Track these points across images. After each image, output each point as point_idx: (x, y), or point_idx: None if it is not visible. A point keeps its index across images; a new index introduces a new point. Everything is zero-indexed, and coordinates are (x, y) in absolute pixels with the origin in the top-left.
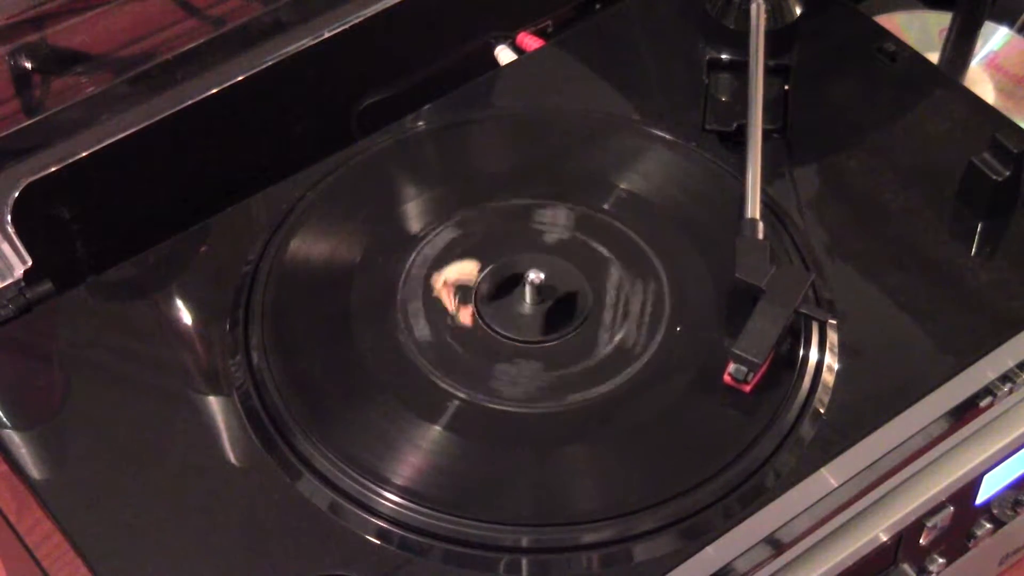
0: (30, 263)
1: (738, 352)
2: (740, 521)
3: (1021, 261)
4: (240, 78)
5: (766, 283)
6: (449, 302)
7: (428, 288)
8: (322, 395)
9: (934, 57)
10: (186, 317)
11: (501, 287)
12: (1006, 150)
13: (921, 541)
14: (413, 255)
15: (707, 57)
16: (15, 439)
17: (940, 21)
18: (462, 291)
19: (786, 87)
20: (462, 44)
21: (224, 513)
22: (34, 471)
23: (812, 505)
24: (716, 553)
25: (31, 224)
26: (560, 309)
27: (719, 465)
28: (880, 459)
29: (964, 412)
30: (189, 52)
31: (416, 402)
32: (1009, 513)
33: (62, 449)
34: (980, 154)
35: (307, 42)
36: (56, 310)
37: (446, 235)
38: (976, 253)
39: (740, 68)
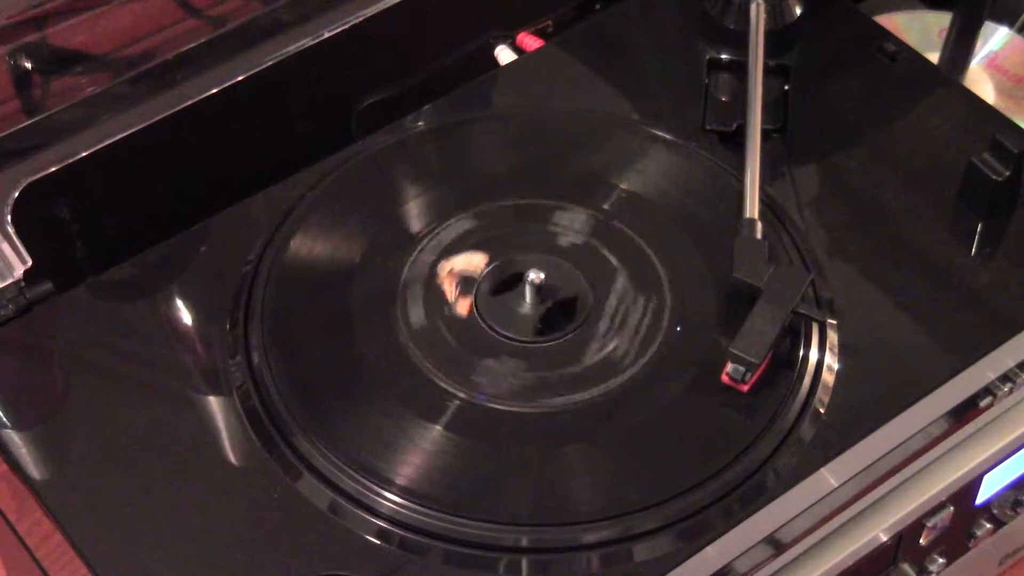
0: (30, 263)
1: (736, 352)
2: (740, 521)
3: (1021, 261)
4: (240, 78)
5: (764, 283)
6: (451, 294)
7: (428, 287)
8: (322, 395)
9: (934, 57)
10: (186, 317)
11: (501, 286)
12: (1006, 150)
13: (921, 541)
14: (413, 255)
15: (707, 57)
16: (15, 439)
17: (940, 21)
18: (464, 285)
19: (786, 87)
20: (462, 44)
21: (224, 513)
22: (34, 471)
23: (812, 505)
24: (716, 553)
25: (31, 224)
26: (560, 309)
27: (719, 465)
28: (880, 459)
29: (964, 412)
30: (189, 52)
31: (416, 402)
32: (1009, 513)
33: (62, 449)
34: (980, 154)
35: (307, 42)
36: (56, 310)
37: (446, 235)
38: (976, 253)
39: (740, 68)
